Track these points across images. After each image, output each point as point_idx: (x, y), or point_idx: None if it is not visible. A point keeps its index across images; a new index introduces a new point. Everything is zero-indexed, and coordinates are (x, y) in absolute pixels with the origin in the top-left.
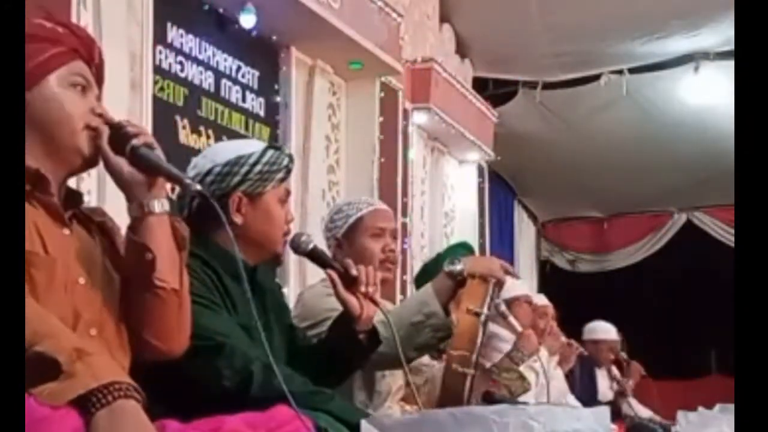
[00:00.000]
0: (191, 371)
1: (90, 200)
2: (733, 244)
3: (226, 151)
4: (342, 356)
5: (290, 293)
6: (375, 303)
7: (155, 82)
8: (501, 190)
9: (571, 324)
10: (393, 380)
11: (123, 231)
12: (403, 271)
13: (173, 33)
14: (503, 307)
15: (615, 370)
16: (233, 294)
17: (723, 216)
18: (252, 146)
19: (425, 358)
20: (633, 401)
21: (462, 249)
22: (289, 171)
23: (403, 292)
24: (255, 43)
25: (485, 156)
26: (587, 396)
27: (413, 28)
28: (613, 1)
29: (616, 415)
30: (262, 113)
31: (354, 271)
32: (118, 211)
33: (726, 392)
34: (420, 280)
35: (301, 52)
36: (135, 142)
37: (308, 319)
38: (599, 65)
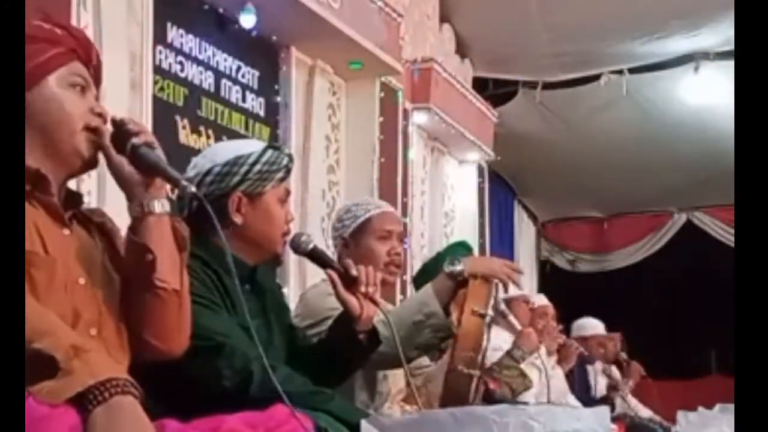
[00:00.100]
0: (191, 371)
1: (90, 201)
2: (733, 244)
3: (225, 151)
4: (342, 356)
5: (290, 293)
6: (375, 303)
7: (155, 82)
8: (501, 190)
9: (571, 324)
10: (394, 382)
11: (123, 232)
12: (403, 272)
13: (173, 33)
14: (503, 306)
15: (606, 365)
16: (233, 294)
17: (723, 216)
18: (251, 146)
19: (425, 360)
20: (633, 401)
21: (461, 248)
22: (288, 171)
23: (403, 292)
24: (255, 43)
25: (485, 156)
26: (581, 392)
27: (413, 28)
28: (613, 1)
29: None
30: (262, 113)
31: (354, 272)
32: (118, 211)
33: (726, 392)
34: (419, 280)
35: (301, 52)
36: (135, 140)
37: (310, 318)
38: (599, 65)
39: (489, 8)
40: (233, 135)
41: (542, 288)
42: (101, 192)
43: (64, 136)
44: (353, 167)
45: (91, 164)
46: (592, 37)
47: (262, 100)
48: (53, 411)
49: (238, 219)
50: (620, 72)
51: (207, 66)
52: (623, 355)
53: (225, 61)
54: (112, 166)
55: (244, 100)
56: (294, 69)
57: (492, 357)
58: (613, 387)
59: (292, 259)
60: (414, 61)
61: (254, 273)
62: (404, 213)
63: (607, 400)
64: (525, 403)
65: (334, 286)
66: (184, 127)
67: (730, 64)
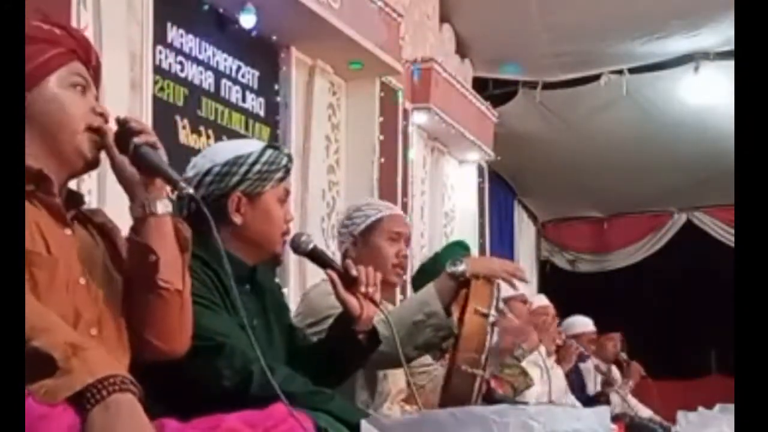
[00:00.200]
0: (191, 371)
1: (90, 201)
2: (733, 244)
3: (225, 151)
4: (342, 356)
5: (290, 293)
6: (375, 303)
7: (155, 82)
8: (501, 190)
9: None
10: (394, 381)
11: (123, 232)
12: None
13: (173, 33)
14: (501, 305)
15: (599, 362)
16: (233, 295)
17: (723, 216)
18: (251, 146)
19: (428, 359)
20: (633, 401)
21: (458, 248)
22: (288, 170)
23: (403, 292)
24: (255, 43)
25: (485, 156)
26: (577, 391)
27: (413, 28)
28: (613, 1)
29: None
30: (262, 113)
31: (354, 272)
32: (118, 212)
33: (726, 392)
34: (417, 281)
35: (301, 52)
36: (137, 140)
37: (311, 316)
38: (599, 65)
39: (489, 8)
40: (233, 135)
41: (542, 288)
42: (101, 192)
43: (65, 136)
44: (353, 167)
45: (93, 164)
46: (592, 37)
47: (262, 100)
48: (52, 410)
49: (237, 219)
50: (620, 72)
51: (207, 66)
52: (623, 355)
53: (225, 61)
54: (114, 166)
55: (244, 100)
56: (294, 69)
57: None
58: (607, 383)
59: (292, 259)
60: (414, 61)
61: (254, 273)
62: (404, 213)
63: (602, 396)
64: (525, 403)
65: (334, 287)
66: (184, 127)
67: (730, 64)
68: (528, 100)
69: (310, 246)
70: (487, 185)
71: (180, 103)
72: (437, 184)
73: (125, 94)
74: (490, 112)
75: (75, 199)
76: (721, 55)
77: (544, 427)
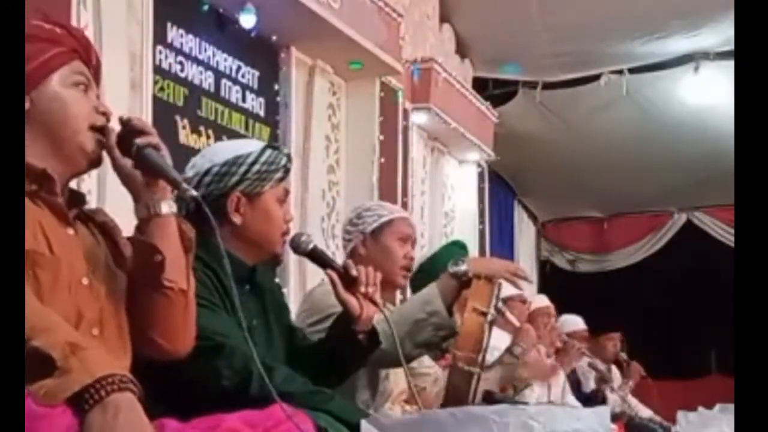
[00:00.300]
0: (191, 371)
1: (90, 201)
2: (733, 244)
3: (224, 150)
4: (341, 356)
5: (290, 293)
6: (375, 303)
7: (155, 82)
8: (501, 190)
9: None
10: (395, 381)
11: (124, 232)
12: None
13: (173, 33)
14: (500, 304)
15: (592, 360)
16: (232, 295)
17: (723, 216)
18: (250, 146)
19: (427, 360)
20: (633, 401)
21: (456, 248)
22: (287, 170)
23: (403, 292)
24: (255, 43)
25: (485, 156)
26: (573, 390)
27: (413, 28)
28: (613, 1)
29: (602, 403)
30: (262, 113)
31: (354, 272)
32: (118, 211)
33: (726, 392)
34: (416, 280)
35: (301, 52)
36: (140, 141)
37: (314, 314)
38: (599, 65)
39: (489, 8)
40: (233, 135)
41: (542, 288)
42: (101, 192)
43: (68, 135)
44: (353, 167)
45: (95, 163)
46: (592, 37)
47: (262, 100)
48: (51, 411)
49: (236, 219)
50: (620, 72)
51: (207, 66)
52: (623, 355)
53: (225, 61)
54: (116, 167)
55: (244, 100)
56: (294, 69)
57: (491, 356)
58: (602, 380)
59: (292, 259)
60: (414, 61)
61: (254, 273)
62: None
63: (598, 393)
64: (525, 403)
65: (334, 287)
66: (184, 127)
67: (730, 64)
68: (528, 100)
69: (310, 246)
70: (487, 185)
71: (180, 103)
72: (437, 184)
73: (125, 94)
74: (490, 112)
75: (77, 198)
76: (721, 55)
77: (544, 427)
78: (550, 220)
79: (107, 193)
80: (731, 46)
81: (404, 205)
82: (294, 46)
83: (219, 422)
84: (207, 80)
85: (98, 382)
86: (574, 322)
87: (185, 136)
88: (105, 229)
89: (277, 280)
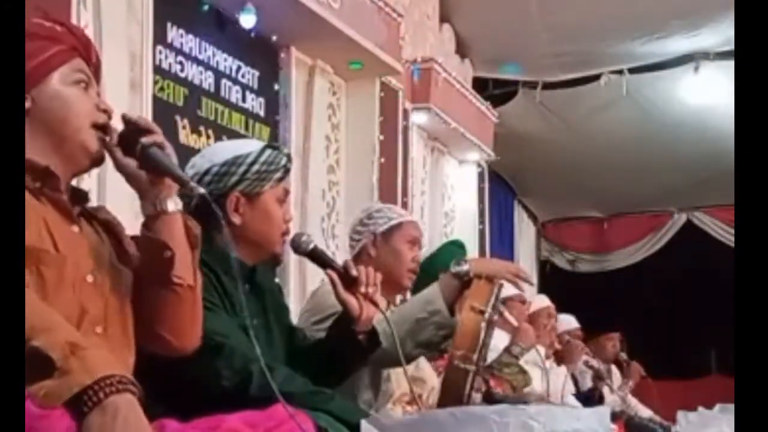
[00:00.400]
0: (191, 371)
1: (90, 200)
2: (733, 244)
3: (224, 150)
4: (341, 357)
5: (290, 293)
6: (374, 304)
7: (155, 82)
8: (501, 190)
9: None
10: (397, 381)
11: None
12: None
13: (173, 33)
14: (499, 304)
15: (588, 358)
16: (232, 295)
17: (723, 216)
18: (250, 146)
19: (428, 369)
20: (633, 401)
21: (454, 247)
22: (287, 170)
23: (403, 292)
24: (255, 43)
25: (485, 156)
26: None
27: (413, 28)
28: (613, 1)
29: (600, 400)
30: (262, 113)
31: (354, 272)
32: (118, 210)
33: (726, 392)
34: (415, 280)
35: (301, 52)
36: (145, 141)
37: (317, 314)
38: (599, 65)
39: (489, 8)
40: (233, 135)
41: (542, 288)
42: (101, 191)
43: (70, 133)
44: (353, 167)
45: (98, 161)
46: (592, 37)
47: (262, 100)
48: (51, 413)
49: (236, 219)
50: (620, 72)
51: (207, 66)
52: (623, 355)
53: (225, 61)
54: (118, 165)
55: (244, 100)
56: (294, 69)
57: (490, 356)
58: (597, 377)
59: (292, 259)
60: (414, 61)
61: (254, 273)
62: None
63: (594, 390)
64: (525, 403)
65: (334, 287)
66: (184, 127)
67: (730, 64)
68: (528, 100)
69: (311, 246)
70: (487, 185)
71: (180, 103)
72: (437, 184)
73: (125, 94)
74: (490, 112)
75: (79, 196)
76: (721, 55)
77: (544, 427)
78: (550, 220)
79: (107, 192)
80: (731, 46)
81: (404, 205)
82: (294, 46)
83: (219, 423)
84: (207, 80)
85: (97, 384)
86: (567, 322)
87: (185, 136)
88: (108, 226)
89: (277, 280)
